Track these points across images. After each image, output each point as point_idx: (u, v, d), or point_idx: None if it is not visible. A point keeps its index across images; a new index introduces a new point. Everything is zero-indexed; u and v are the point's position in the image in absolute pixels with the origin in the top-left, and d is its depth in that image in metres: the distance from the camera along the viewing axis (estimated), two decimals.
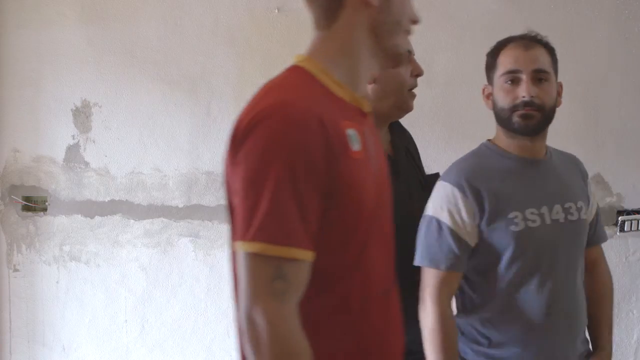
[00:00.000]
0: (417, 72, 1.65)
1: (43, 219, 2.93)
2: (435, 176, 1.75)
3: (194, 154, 2.84)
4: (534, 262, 1.53)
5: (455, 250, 1.53)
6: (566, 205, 1.59)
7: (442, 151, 2.74)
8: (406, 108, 1.67)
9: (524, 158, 1.61)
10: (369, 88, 1.57)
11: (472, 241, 1.55)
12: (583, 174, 1.77)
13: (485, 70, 1.64)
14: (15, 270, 2.95)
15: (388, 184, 1.22)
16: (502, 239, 1.52)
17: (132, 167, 2.88)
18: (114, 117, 2.88)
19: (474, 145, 2.70)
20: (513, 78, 1.54)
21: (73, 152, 2.90)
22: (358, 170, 1.05)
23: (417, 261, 1.57)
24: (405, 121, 2.75)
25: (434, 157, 2.75)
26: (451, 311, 1.57)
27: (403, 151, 1.76)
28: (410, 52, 1.59)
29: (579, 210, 1.62)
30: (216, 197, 2.83)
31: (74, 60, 2.88)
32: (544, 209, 1.56)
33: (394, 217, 1.24)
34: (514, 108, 1.54)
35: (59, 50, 2.88)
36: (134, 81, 2.86)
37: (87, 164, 2.89)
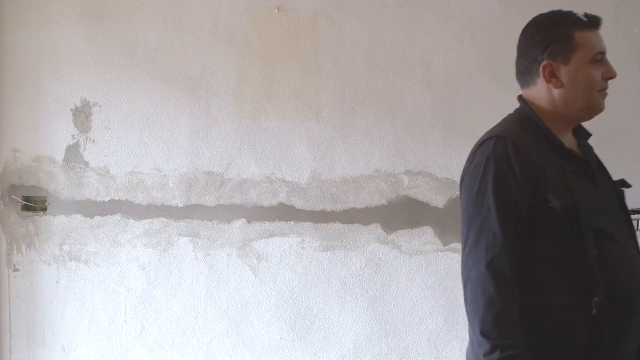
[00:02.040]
0: (609, 75, 1.54)
1: (43, 219, 2.93)
2: (621, 183, 1.64)
3: (194, 154, 2.84)
4: None
5: None
6: None
7: (442, 151, 2.74)
8: (597, 109, 1.56)
9: None
10: (557, 93, 1.53)
11: None
12: None
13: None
14: (15, 270, 2.95)
15: None
16: None
17: (132, 167, 2.88)
18: (114, 117, 2.88)
19: (474, 145, 2.68)
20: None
21: (73, 152, 2.90)
22: None
23: None
24: (405, 121, 2.76)
25: (434, 157, 2.75)
26: None
27: (592, 151, 1.66)
28: (603, 54, 1.53)
29: None
30: (216, 197, 2.84)
31: (74, 60, 2.88)
32: None
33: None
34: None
35: (59, 50, 2.88)
36: (134, 81, 2.86)
37: (87, 164, 2.89)
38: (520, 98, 1.61)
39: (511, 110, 2.53)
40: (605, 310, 1.40)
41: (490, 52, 2.73)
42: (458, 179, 2.73)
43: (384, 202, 2.79)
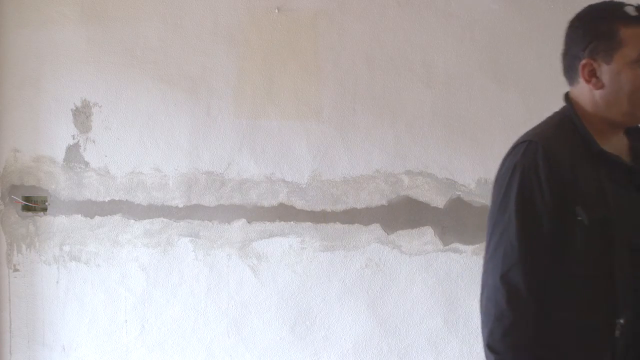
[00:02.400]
0: None
1: (43, 219, 2.93)
2: None
3: (194, 154, 2.84)
4: None
5: None
6: None
7: (442, 151, 2.74)
8: None
9: None
10: (597, 94, 1.40)
11: None
12: None
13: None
14: (15, 270, 2.95)
15: None
16: None
17: (132, 167, 2.88)
18: (114, 117, 2.87)
19: (474, 145, 2.72)
20: None
21: (73, 152, 2.90)
22: None
23: None
24: (405, 121, 2.76)
25: (434, 157, 2.75)
26: None
27: None
28: None
29: None
30: (216, 197, 2.84)
31: (74, 60, 2.88)
32: None
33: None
34: None
35: (59, 50, 2.88)
36: (134, 81, 2.86)
37: (87, 164, 2.89)
38: (566, 96, 1.49)
39: (510, 110, 2.54)
40: (632, 333, 1.31)
41: (490, 52, 2.73)
42: (458, 179, 2.75)
43: (384, 202, 2.79)
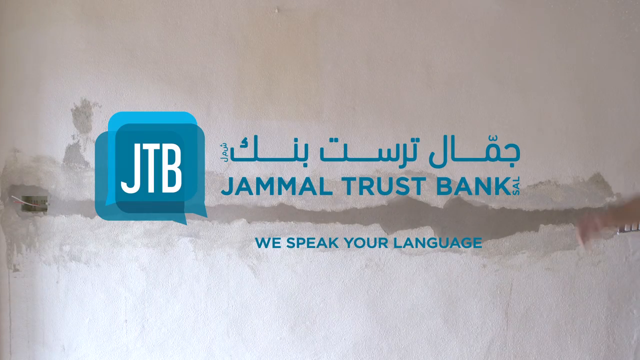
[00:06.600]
0: None
1: (43, 219, 2.93)
2: None
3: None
4: None
5: None
6: None
7: (442, 151, 2.74)
8: None
9: None
10: None
11: None
12: None
13: None
14: (15, 270, 2.95)
15: None
16: None
17: None
18: None
19: (474, 145, 2.73)
20: None
21: (73, 152, 2.90)
22: None
23: None
24: (405, 121, 2.76)
25: (434, 157, 2.76)
26: None
27: None
28: None
29: None
30: (216, 197, 2.84)
31: (74, 60, 2.88)
32: None
33: None
34: None
35: (59, 50, 2.88)
36: (134, 81, 2.86)
37: (87, 163, 2.89)
38: None
39: (510, 110, 2.53)
40: None
41: (490, 52, 2.73)
42: (458, 179, 2.74)
43: (384, 202, 2.79)
